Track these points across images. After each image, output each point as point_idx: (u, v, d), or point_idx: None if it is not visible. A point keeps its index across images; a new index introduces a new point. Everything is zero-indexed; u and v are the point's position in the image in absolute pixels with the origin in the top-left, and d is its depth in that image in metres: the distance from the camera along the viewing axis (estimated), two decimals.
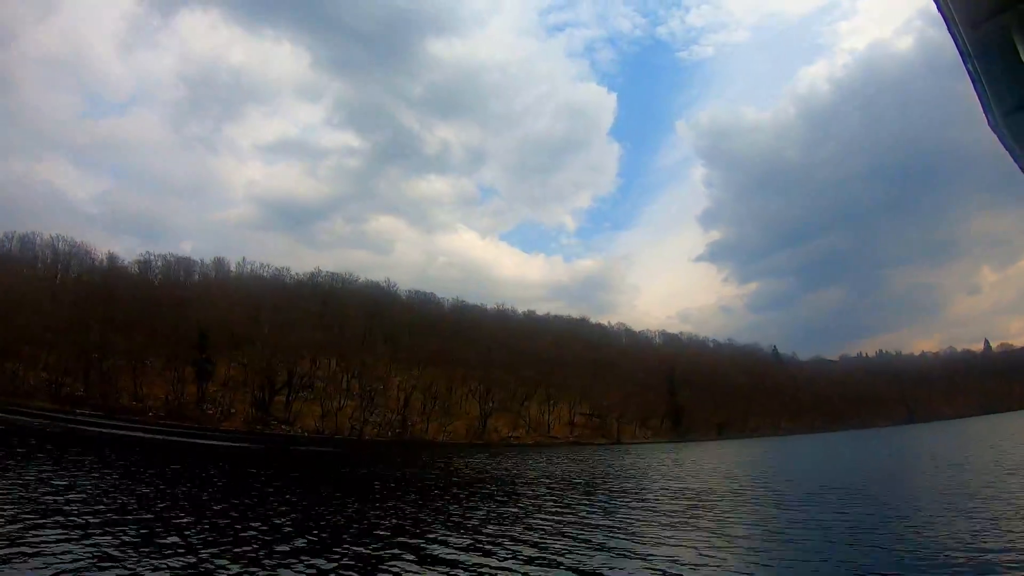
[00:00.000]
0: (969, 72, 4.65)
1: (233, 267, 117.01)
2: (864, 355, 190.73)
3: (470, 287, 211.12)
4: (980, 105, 4.93)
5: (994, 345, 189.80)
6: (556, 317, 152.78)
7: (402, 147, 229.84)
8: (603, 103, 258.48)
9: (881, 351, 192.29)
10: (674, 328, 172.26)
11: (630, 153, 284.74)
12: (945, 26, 4.34)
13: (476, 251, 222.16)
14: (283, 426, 77.22)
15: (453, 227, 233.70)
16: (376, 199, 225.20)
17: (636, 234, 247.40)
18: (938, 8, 4.19)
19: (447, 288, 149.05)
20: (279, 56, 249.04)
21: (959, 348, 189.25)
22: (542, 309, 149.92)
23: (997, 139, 5.16)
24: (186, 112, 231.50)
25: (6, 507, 13.17)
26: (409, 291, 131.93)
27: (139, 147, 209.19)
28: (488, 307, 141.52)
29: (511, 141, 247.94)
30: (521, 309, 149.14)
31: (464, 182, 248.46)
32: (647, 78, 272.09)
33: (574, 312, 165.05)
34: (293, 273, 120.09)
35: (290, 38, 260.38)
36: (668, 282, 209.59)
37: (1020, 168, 5.33)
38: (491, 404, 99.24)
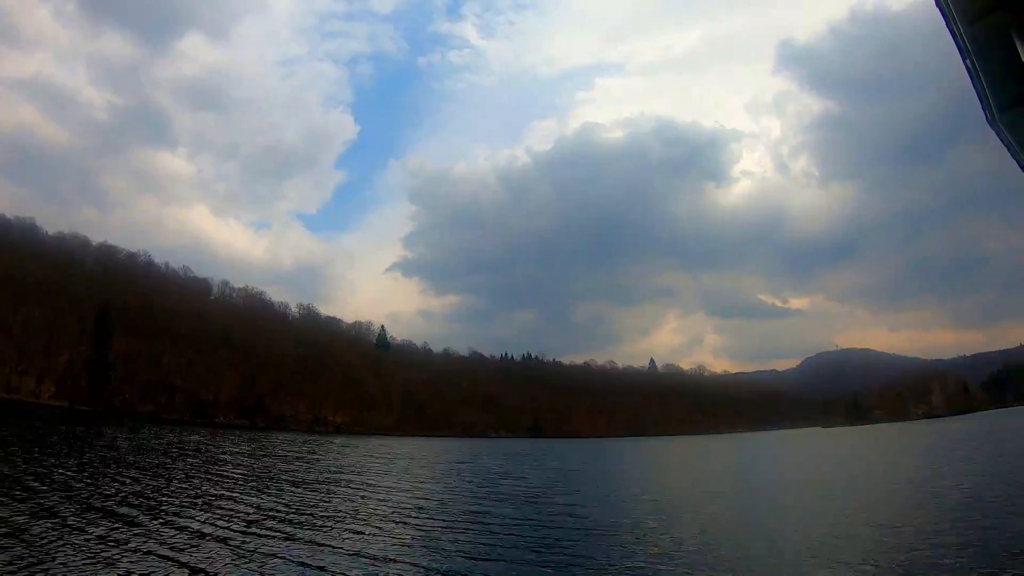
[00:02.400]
0: (967, 68, 5.09)
1: None
2: (509, 356, 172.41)
3: (196, 257, 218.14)
4: (978, 101, 5.35)
5: (659, 365, 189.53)
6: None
7: (151, 121, 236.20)
8: (340, 133, 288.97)
9: (527, 354, 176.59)
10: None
11: (363, 165, 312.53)
12: (943, 22, 4.74)
13: (207, 226, 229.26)
14: None
15: (189, 201, 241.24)
16: (116, 159, 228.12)
17: (357, 240, 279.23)
18: (936, 4, 4.61)
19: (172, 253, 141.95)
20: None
21: (621, 365, 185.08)
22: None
23: (994, 135, 5.54)
24: None
25: None
26: None
27: None
28: None
29: (256, 145, 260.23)
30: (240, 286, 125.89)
31: (206, 167, 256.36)
32: (396, 99, 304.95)
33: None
34: None
35: None
36: (381, 286, 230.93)
37: (1017, 163, 5.69)
38: None
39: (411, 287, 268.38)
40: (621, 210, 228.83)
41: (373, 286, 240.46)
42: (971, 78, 5.15)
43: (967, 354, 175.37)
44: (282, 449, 46.13)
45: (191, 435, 52.26)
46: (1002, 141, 5.51)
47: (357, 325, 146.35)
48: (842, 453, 46.00)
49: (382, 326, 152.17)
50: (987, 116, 5.35)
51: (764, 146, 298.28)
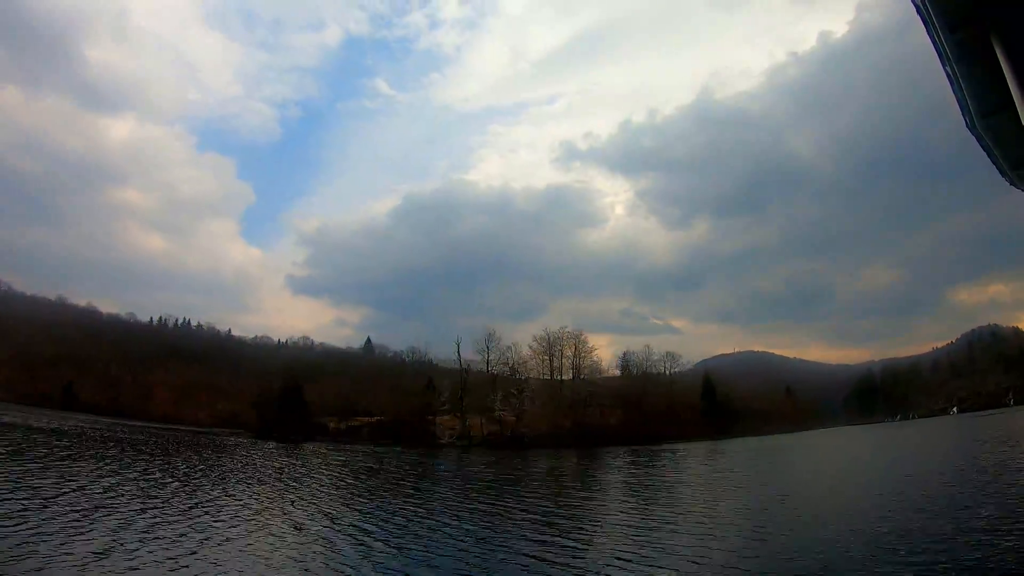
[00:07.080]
0: (947, 75, 5.04)
1: None
2: (164, 321, 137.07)
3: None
4: (958, 107, 5.31)
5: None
6: None
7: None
8: (246, 197, 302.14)
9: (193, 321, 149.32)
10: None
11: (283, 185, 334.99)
12: (925, 29, 4.67)
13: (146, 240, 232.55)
14: None
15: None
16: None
17: (273, 259, 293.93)
18: (917, 11, 4.54)
19: None
20: None
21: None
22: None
23: (975, 140, 5.52)
24: None
25: None
26: None
27: None
28: None
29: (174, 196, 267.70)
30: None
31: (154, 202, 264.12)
32: (316, 143, 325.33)
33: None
34: None
35: None
36: (302, 301, 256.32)
37: (997, 169, 5.69)
38: None
39: (322, 303, 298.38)
40: (472, 247, 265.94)
41: (284, 300, 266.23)
42: (951, 84, 5.10)
43: (875, 359, 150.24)
44: None
45: None
46: (981, 147, 5.50)
47: None
48: None
49: None
50: (967, 122, 5.32)
51: (618, 198, 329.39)
